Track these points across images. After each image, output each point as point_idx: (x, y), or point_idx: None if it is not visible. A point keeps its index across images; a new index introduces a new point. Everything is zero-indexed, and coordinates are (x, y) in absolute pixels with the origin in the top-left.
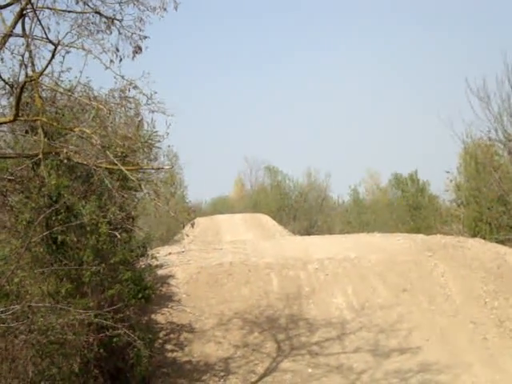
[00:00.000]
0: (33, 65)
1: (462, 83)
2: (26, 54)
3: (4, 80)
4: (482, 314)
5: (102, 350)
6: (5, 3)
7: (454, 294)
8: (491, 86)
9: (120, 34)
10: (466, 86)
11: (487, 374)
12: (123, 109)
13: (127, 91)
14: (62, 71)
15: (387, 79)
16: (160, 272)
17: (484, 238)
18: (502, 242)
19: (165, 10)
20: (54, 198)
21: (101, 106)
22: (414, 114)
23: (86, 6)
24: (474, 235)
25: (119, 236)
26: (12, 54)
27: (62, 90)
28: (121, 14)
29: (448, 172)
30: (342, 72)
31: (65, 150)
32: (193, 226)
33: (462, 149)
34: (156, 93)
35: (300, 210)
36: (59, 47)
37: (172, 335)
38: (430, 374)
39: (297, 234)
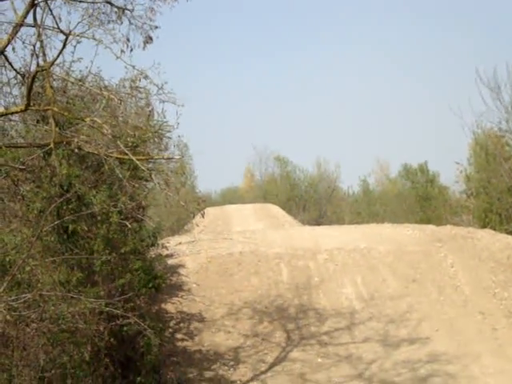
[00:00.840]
0: (44, 55)
1: (473, 73)
2: (38, 44)
3: (15, 70)
4: (492, 304)
5: (112, 339)
6: None
7: (463, 284)
8: (502, 76)
9: (131, 24)
10: (476, 76)
11: (496, 365)
12: (134, 99)
13: (138, 81)
14: (73, 61)
15: (397, 69)
16: (170, 262)
17: (494, 229)
18: (511, 233)
19: None
20: (65, 188)
21: (112, 96)
22: (423, 104)
23: None
24: (483, 226)
25: (130, 226)
26: (23, 43)
27: (73, 79)
28: (131, 3)
29: (458, 163)
30: (353, 62)
31: (76, 140)
32: (203, 215)
33: (472, 139)
34: (166, 83)
35: (310, 200)
36: (70, 37)
37: (182, 324)
38: (438, 365)
39: (306, 225)
